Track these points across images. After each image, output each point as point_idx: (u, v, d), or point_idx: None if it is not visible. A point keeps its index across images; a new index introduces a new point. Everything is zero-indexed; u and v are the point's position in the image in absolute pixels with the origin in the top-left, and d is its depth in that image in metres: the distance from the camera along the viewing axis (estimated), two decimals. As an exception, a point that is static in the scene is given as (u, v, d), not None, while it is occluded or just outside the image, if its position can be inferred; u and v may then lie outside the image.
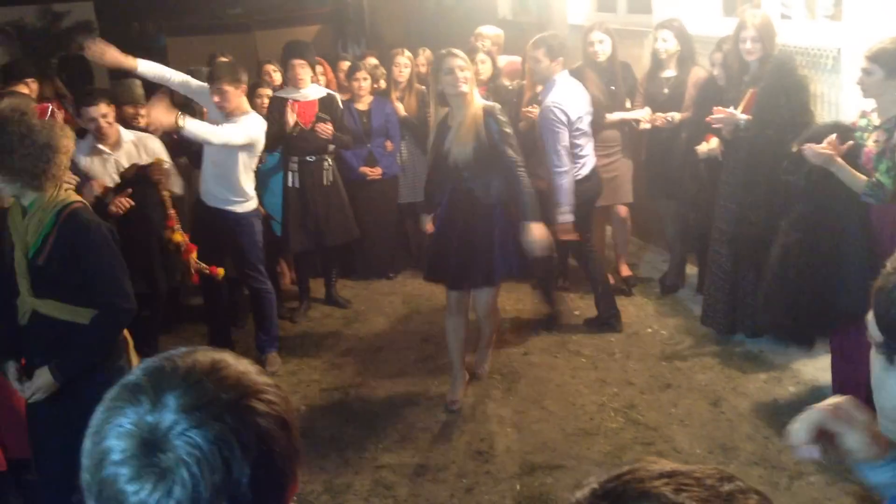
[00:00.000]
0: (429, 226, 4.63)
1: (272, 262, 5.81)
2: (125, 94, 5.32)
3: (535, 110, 5.55)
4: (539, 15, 8.19)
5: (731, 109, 4.42)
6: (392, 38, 11.44)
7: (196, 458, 0.87)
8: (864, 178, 3.57)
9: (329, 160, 5.76)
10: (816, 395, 4.15)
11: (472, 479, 3.86)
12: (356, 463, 4.05)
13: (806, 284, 3.79)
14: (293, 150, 5.63)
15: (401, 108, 6.20)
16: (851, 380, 3.68)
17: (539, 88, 5.65)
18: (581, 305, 5.70)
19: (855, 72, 3.75)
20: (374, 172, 6.15)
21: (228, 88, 4.71)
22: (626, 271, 5.90)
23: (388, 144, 6.18)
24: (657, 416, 4.24)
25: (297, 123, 5.52)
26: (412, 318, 5.80)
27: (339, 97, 5.86)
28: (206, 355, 0.97)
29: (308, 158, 5.66)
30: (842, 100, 4.39)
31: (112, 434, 0.89)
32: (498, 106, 4.34)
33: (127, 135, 4.86)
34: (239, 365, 0.97)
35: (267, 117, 5.27)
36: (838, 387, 3.94)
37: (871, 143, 3.62)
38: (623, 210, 5.83)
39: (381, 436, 4.28)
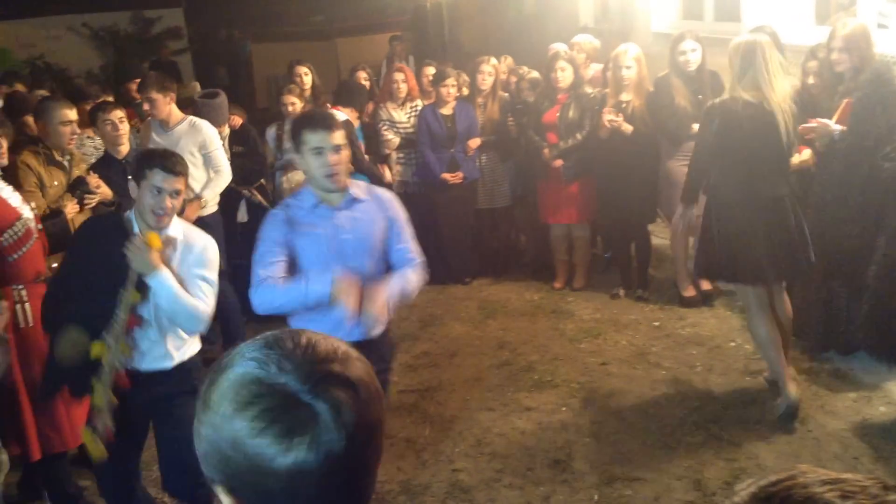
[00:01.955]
0: None
1: None
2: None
3: (616, 118, 5.52)
4: (622, 22, 8.12)
5: (825, 120, 4.30)
6: (471, 45, 11.51)
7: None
8: None
9: None
10: (911, 416, 4.00)
11: (549, 487, 3.83)
12: (433, 465, 4.07)
13: None
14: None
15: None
16: None
17: (624, 96, 5.62)
18: (661, 317, 5.61)
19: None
20: (455, 177, 6.19)
21: (157, 96, 5.02)
22: (706, 284, 5.77)
23: (473, 142, 6.19)
24: (740, 431, 4.13)
25: None
26: (487, 323, 5.80)
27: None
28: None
29: None
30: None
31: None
32: None
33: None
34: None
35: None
36: None
37: None
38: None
39: (457, 439, 4.28)
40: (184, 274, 3.11)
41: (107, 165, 4.67)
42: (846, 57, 4.30)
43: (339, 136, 3.05)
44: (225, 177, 5.27)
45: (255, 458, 0.93)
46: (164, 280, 3.02)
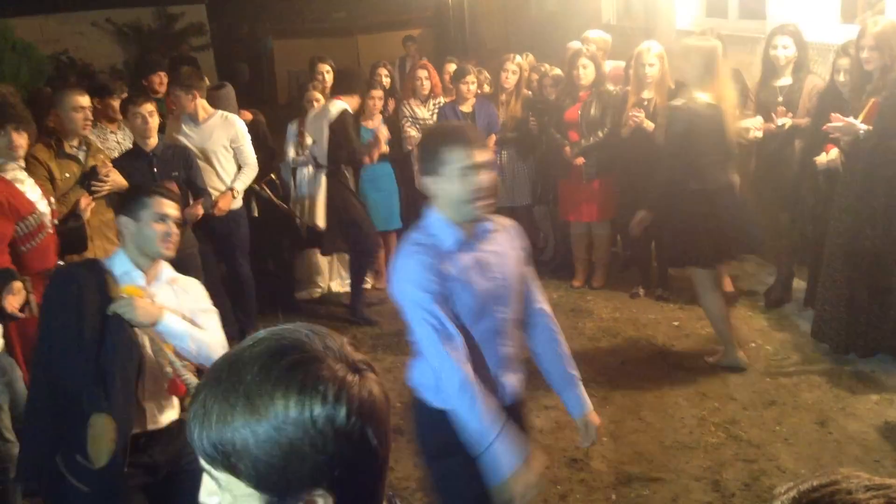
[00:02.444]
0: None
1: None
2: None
3: (639, 114, 5.48)
4: (646, 20, 8.07)
5: (850, 119, 4.24)
6: (493, 42, 11.49)
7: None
8: None
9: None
10: (935, 420, 3.95)
11: (566, 486, 3.82)
12: (450, 462, 4.06)
13: None
14: (355, 161, 5.89)
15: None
16: None
17: (646, 93, 5.58)
18: (681, 317, 5.57)
19: None
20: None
21: (179, 93, 5.22)
22: (728, 286, 5.70)
23: (490, 139, 6.18)
24: (760, 433, 4.10)
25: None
26: (507, 321, 5.78)
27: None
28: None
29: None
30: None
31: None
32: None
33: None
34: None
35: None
36: None
37: None
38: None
39: (474, 437, 4.27)
40: (188, 313, 2.79)
41: (135, 157, 4.76)
42: (877, 55, 4.25)
43: (487, 152, 2.55)
44: (253, 169, 5.45)
45: (303, 425, 0.98)
46: (173, 323, 2.67)
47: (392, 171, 6.36)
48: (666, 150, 4.71)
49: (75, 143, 4.49)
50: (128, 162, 4.69)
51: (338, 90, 5.91)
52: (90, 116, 4.52)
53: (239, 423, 0.97)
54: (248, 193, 5.80)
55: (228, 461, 0.99)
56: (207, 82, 5.78)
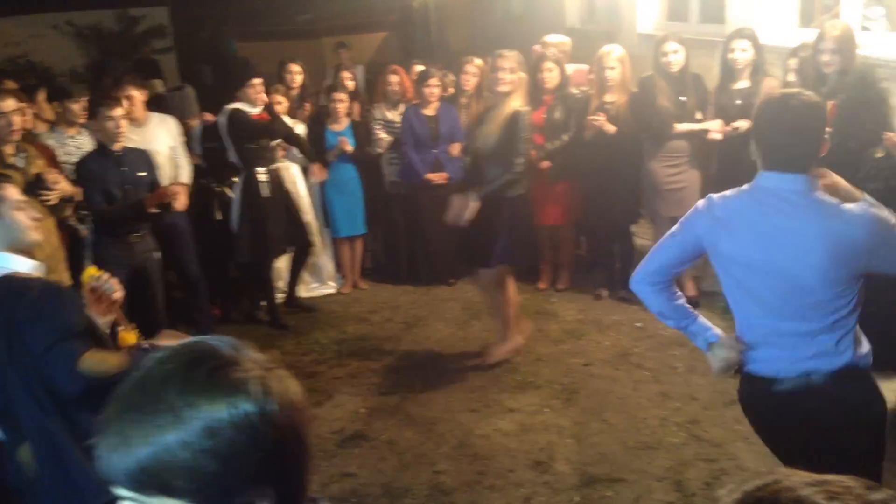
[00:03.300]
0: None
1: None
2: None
3: (600, 118, 5.52)
4: (608, 23, 8.12)
5: None
6: (458, 45, 11.49)
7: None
8: None
9: (291, 168, 5.94)
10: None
11: (529, 488, 3.82)
12: (414, 467, 4.05)
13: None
14: (261, 161, 5.70)
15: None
16: None
17: (608, 97, 5.62)
18: (644, 318, 5.61)
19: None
20: (439, 177, 6.16)
21: (136, 94, 5.29)
22: (691, 290, 5.74)
23: (454, 147, 6.19)
24: (721, 432, 4.14)
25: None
26: (471, 324, 5.79)
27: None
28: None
29: (271, 167, 5.77)
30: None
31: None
32: (528, 110, 4.75)
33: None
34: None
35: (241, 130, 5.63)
36: None
37: None
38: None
39: (439, 441, 4.27)
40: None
41: (104, 156, 4.72)
42: (837, 59, 4.31)
43: None
44: (189, 170, 5.51)
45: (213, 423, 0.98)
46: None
47: (357, 175, 6.34)
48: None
49: (10, 150, 4.37)
50: (96, 162, 4.68)
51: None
52: (14, 122, 4.32)
53: (169, 438, 0.96)
54: (210, 196, 5.75)
55: (161, 481, 0.97)
56: (161, 85, 5.80)
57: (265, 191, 5.67)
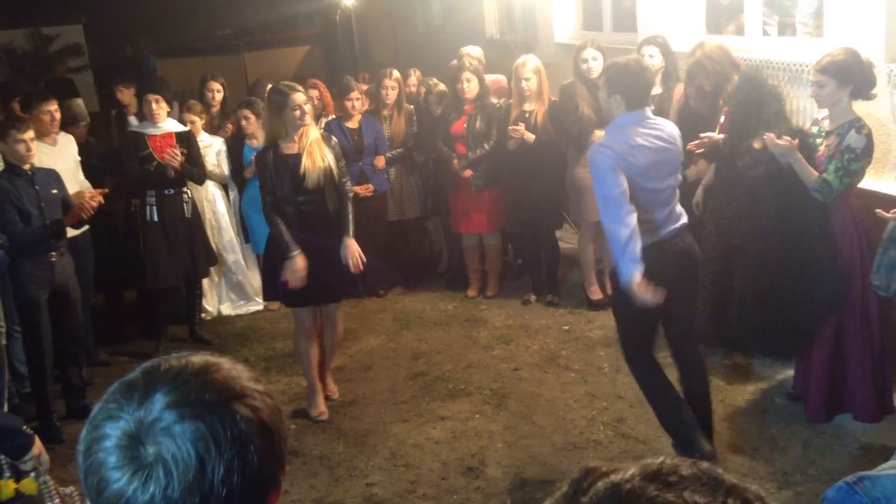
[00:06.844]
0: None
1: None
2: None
3: (520, 128, 5.63)
4: (526, 33, 8.28)
5: (709, 133, 4.46)
6: (381, 58, 11.53)
7: (173, 456, 0.92)
8: (816, 173, 3.86)
9: (188, 193, 5.75)
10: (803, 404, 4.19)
11: (462, 494, 3.86)
12: (347, 481, 4.05)
13: (778, 302, 3.98)
14: (150, 185, 5.62)
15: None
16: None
17: (527, 106, 5.73)
18: (570, 321, 5.73)
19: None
20: (365, 190, 6.16)
21: (57, 112, 5.22)
22: (596, 293, 5.90)
23: (379, 160, 6.22)
24: (646, 428, 4.25)
25: (153, 157, 5.58)
26: (402, 335, 5.81)
27: (196, 134, 5.95)
28: (202, 358, 1.03)
29: (166, 192, 5.64)
30: (821, 113, 4.45)
31: (105, 424, 0.96)
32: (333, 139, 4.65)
33: None
34: (232, 370, 1.03)
35: (125, 152, 5.63)
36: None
37: (822, 148, 3.92)
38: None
39: (371, 453, 4.28)
40: None
41: (16, 174, 4.62)
42: (713, 76, 4.58)
43: None
44: (88, 186, 5.36)
45: None
46: None
47: None
48: None
49: None
50: (8, 181, 4.59)
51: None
52: None
53: (214, 459, 0.94)
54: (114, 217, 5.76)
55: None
56: (81, 103, 5.71)
57: (152, 215, 5.62)
